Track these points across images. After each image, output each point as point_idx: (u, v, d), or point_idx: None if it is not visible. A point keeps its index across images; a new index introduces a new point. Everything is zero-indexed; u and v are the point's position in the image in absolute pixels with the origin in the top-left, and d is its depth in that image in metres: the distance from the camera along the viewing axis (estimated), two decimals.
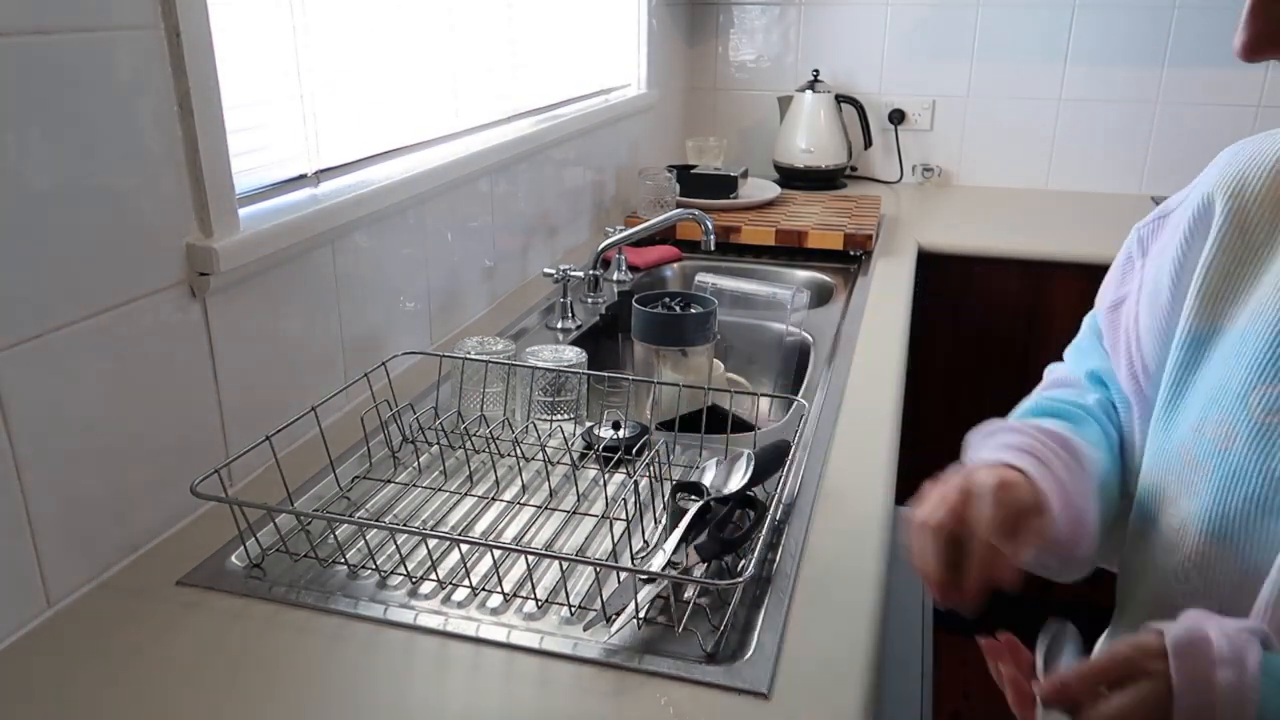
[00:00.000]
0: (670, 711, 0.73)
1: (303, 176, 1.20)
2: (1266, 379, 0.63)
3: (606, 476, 1.10)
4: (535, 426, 1.19)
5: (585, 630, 0.82)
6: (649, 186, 2.10)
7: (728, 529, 0.91)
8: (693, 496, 0.95)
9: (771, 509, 0.93)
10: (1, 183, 0.76)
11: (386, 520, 1.01)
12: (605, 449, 1.12)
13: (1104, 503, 0.75)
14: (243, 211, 1.03)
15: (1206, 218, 0.70)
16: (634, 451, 1.12)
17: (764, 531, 0.88)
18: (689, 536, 0.89)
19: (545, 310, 1.66)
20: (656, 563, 0.86)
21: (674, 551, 0.87)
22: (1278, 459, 0.62)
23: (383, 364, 1.17)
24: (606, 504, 1.05)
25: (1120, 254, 0.81)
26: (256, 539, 0.91)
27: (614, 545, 0.94)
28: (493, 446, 1.15)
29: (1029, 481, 0.69)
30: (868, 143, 2.67)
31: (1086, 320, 0.89)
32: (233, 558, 0.92)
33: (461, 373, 1.19)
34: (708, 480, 1.06)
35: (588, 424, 1.18)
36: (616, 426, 1.15)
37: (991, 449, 0.74)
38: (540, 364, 1.19)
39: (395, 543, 0.93)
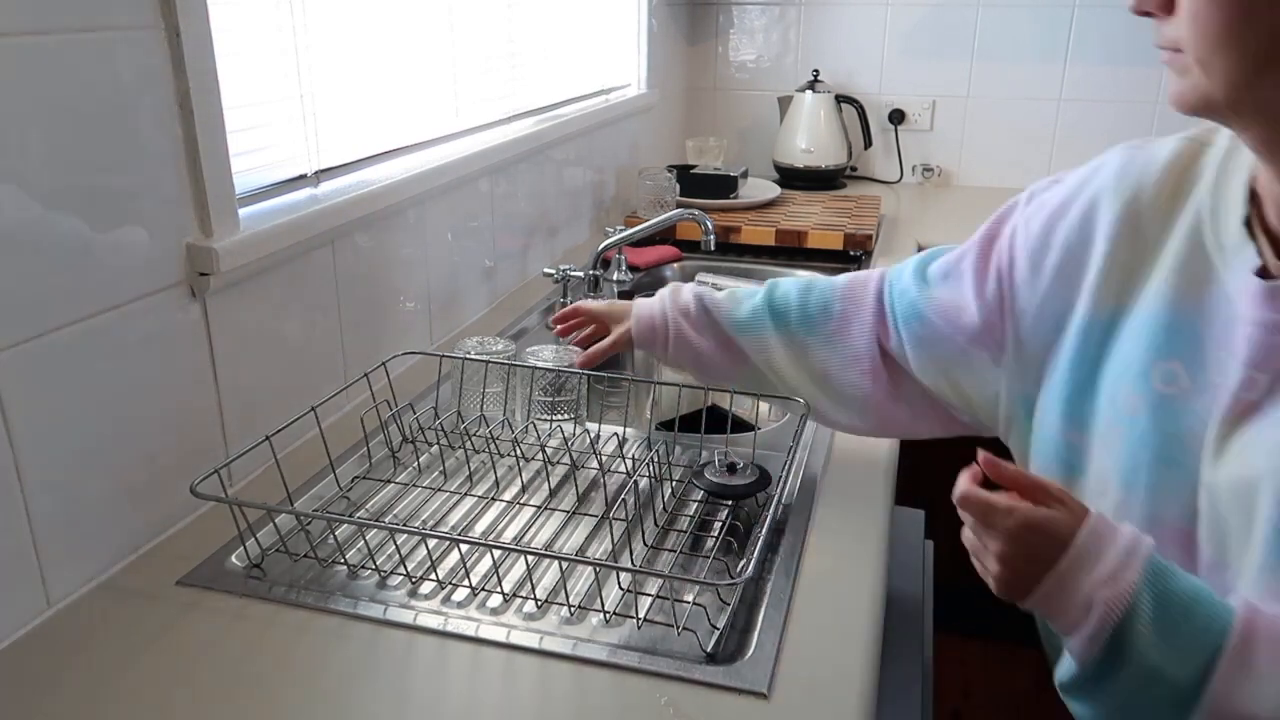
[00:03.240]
0: (670, 711, 0.73)
1: (303, 176, 1.20)
2: (1163, 355, 0.75)
3: (606, 477, 1.10)
4: (535, 426, 1.19)
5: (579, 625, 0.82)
6: (649, 186, 2.10)
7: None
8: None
9: (770, 507, 0.93)
10: (1, 182, 0.76)
11: (386, 520, 1.01)
12: (714, 492, 1.02)
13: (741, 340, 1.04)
14: (243, 211, 1.03)
15: (1091, 219, 0.81)
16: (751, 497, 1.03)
17: (764, 532, 0.88)
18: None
19: (545, 310, 1.66)
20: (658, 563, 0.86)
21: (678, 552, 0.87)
22: (1173, 422, 0.74)
23: (383, 364, 1.17)
24: (606, 504, 1.05)
25: (1007, 204, 0.91)
26: (256, 539, 0.91)
27: (614, 545, 0.94)
28: (493, 446, 1.15)
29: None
30: (868, 143, 2.67)
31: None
32: (233, 558, 0.92)
33: (461, 373, 1.19)
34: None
35: (700, 465, 1.05)
36: (732, 469, 1.02)
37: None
38: (540, 364, 1.19)
39: (395, 543, 0.93)
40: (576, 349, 1.22)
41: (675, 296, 1.08)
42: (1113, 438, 0.78)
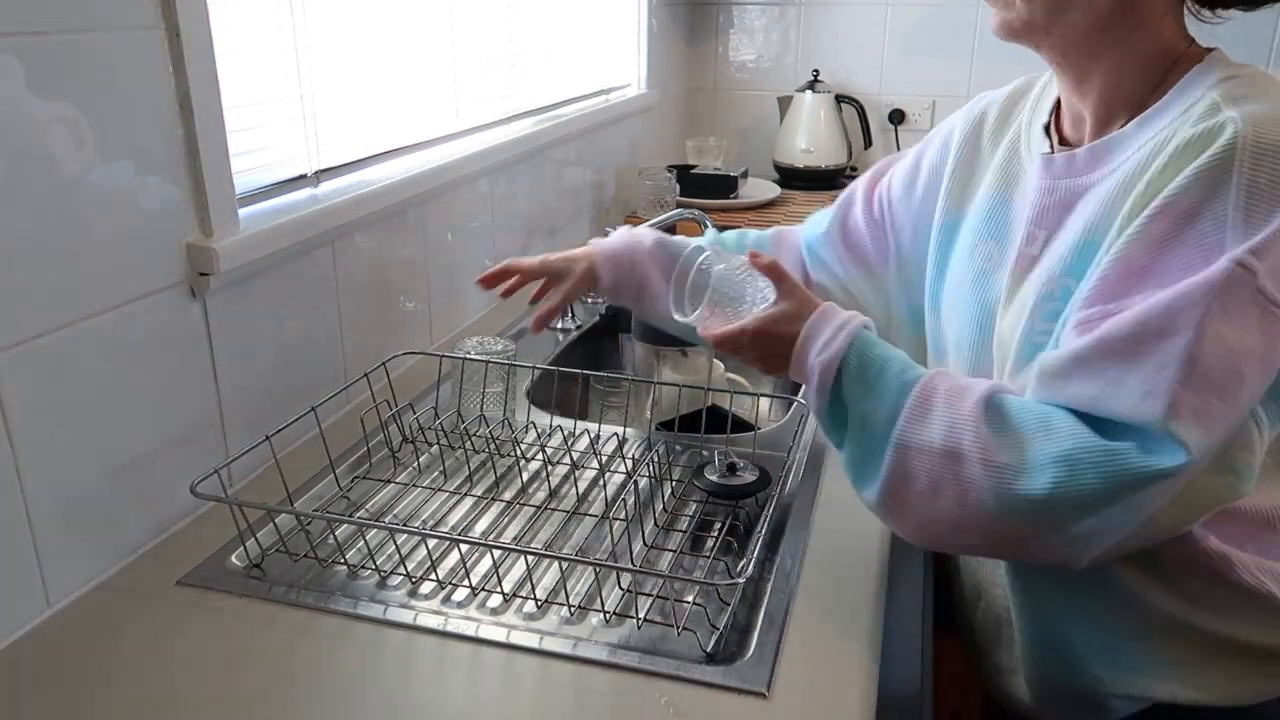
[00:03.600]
0: (670, 711, 0.73)
1: (303, 176, 1.20)
2: (982, 237, 0.92)
3: (606, 477, 1.10)
4: (535, 426, 1.19)
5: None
6: (649, 186, 2.10)
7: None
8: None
9: (769, 507, 0.93)
10: (1, 183, 0.76)
11: (386, 520, 1.00)
12: (714, 492, 1.03)
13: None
14: (243, 211, 1.03)
15: (948, 143, 1.00)
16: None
17: (764, 532, 0.88)
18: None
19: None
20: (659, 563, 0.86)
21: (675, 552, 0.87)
22: (985, 290, 0.91)
23: (383, 364, 1.17)
24: (606, 504, 1.04)
25: (892, 156, 1.11)
26: (256, 539, 0.91)
27: (614, 545, 0.94)
28: (492, 446, 1.15)
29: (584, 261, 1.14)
30: (868, 143, 2.67)
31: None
32: (232, 558, 0.92)
33: (461, 373, 1.19)
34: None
35: (699, 465, 1.06)
36: (732, 469, 1.04)
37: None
38: (537, 366, 1.19)
39: (395, 543, 0.93)
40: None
41: (633, 236, 1.16)
42: (951, 314, 0.97)
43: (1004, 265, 0.88)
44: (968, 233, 0.95)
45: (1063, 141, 0.88)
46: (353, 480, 1.08)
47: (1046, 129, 0.89)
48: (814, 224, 1.18)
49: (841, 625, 0.84)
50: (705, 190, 2.21)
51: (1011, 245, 0.88)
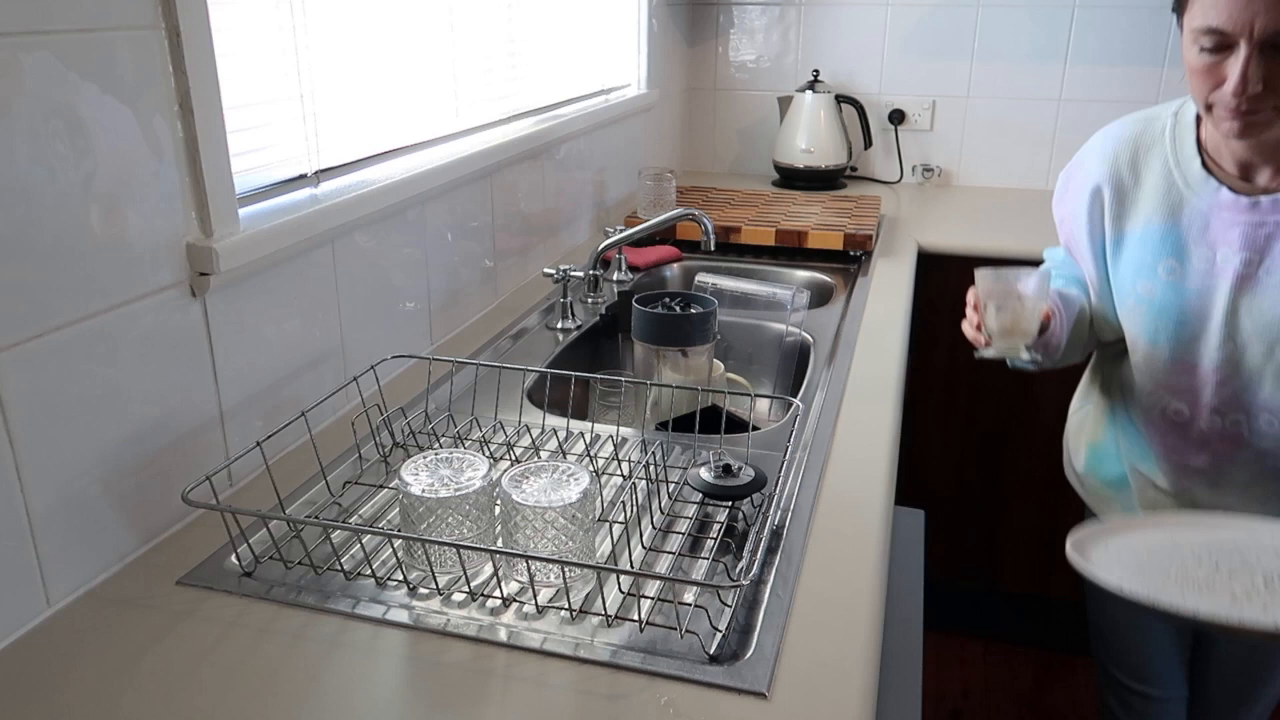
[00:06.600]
0: (670, 711, 0.73)
1: (303, 176, 1.20)
2: (1162, 255, 1.22)
3: (603, 479, 1.10)
4: (529, 431, 1.19)
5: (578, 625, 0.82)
6: (649, 186, 2.10)
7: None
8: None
9: (766, 508, 0.93)
10: (1, 183, 0.76)
11: (381, 525, 1.00)
12: (710, 494, 1.02)
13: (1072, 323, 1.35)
14: (243, 211, 1.03)
15: (1099, 198, 1.28)
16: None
17: (765, 533, 0.88)
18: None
19: (545, 310, 1.66)
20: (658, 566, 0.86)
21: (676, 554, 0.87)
22: (1178, 296, 1.22)
23: (372, 368, 1.17)
24: (603, 507, 1.04)
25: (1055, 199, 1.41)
26: (249, 545, 0.91)
27: (613, 547, 0.94)
28: (486, 450, 1.15)
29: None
30: (868, 143, 2.67)
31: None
32: (232, 558, 0.92)
33: (452, 376, 1.19)
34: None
35: (696, 466, 1.05)
36: (728, 470, 1.02)
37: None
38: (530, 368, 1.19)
39: (392, 546, 0.93)
40: None
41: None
42: (1135, 315, 1.27)
43: (1192, 280, 1.20)
44: (1138, 251, 1.24)
45: (1226, 175, 1.19)
46: (344, 486, 1.07)
47: (1206, 168, 1.19)
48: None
49: (841, 625, 0.84)
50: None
51: (1196, 265, 1.19)
